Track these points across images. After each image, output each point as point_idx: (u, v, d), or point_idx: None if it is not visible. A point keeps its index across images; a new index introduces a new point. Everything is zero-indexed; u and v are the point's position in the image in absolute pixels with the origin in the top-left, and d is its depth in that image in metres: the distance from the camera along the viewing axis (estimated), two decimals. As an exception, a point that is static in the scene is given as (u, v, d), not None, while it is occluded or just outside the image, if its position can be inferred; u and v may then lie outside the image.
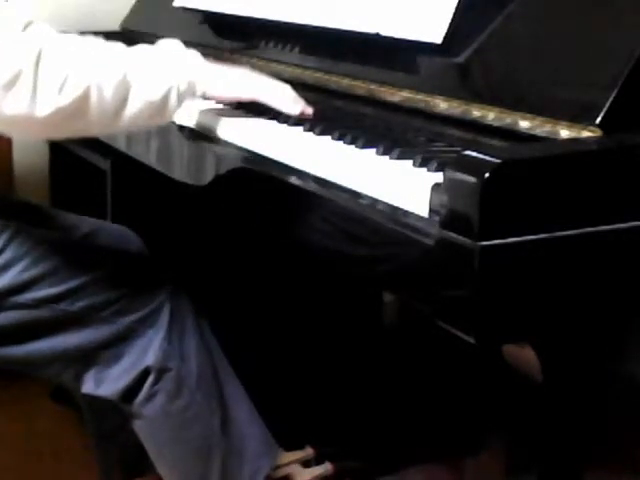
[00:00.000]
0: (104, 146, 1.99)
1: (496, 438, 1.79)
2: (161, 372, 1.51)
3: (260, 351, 2.12)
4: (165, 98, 1.35)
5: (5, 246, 1.47)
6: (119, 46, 1.39)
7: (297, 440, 1.80)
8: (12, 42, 1.26)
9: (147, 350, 1.51)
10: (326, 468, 1.79)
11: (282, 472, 1.71)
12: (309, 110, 1.46)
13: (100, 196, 2.16)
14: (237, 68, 1.51)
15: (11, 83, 1.25)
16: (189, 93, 1.39)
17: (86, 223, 1.73)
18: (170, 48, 1.43)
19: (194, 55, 1.43)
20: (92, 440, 1.82)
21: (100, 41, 1.37)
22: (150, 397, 1.52)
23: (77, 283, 1.49)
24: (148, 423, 1.54)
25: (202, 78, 1.41)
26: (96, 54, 1.33)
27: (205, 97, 1.45)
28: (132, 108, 1.33)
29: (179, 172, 1.67)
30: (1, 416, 2.33)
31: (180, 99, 1.38)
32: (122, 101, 1.32)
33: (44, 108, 1.27)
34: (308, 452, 1.79)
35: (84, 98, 1.29)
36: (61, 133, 1.46)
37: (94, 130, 1.43)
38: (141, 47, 1.41)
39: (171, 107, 1.37)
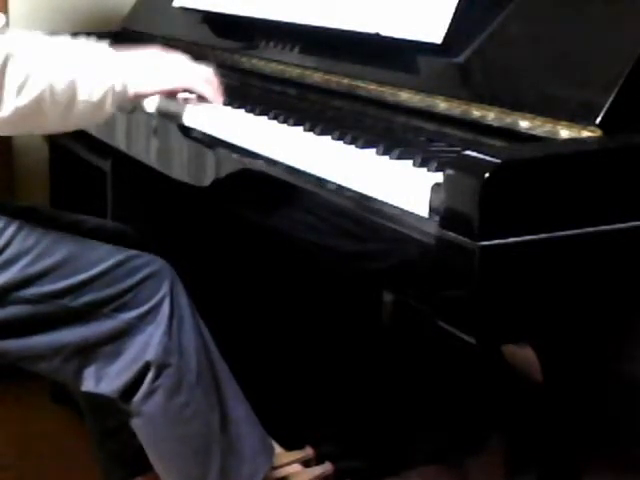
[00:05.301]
0: (104, 146, 1.99)
1: (496, 438, 1.79)
2: (161, 368, 1.51)
3: (260, 351, 2.12)
4: (103, 99, 1.48)
5: (9, 242, 1.49)
6: (67, 43, 1.50)
7: (297, 440, 1.80)
8: None
9: (147, 345, 1.51)
10: (326, 468, 1.79)
11: (282, 472, 1.71)
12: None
13: (100, 196, 2.16)
14: (169, 55, 1.61)
15: None
16: (122, 94, 1.51)
17: (86, 223, 1.73)
18: (104, 50, 1.53)
19: (125, 55, 1.54)
20: (92, 439, 1.82)
21: (54, 40, 1.49)
22: (150, 394, 1.52)
23: (80, 279, 1.50)
24: (147, 421, 1.54)
25: (133, 79, 1.52)
26: (51, 58, 1.45)
27: (136, 96, 1.55)
28: (77, 108, 1.46)
29: (179, 172, 1.67)
30: (1, 416, 2.33)
31: (115, 100, 1.49)
32: (70, 102, 1.45)
33: (7, 108, 1.40)
34: (308, 452, 1.79)
35: (40, 100, 1.42)
36: (18, 131, 1.61)
37: (46, 128, 1.59)
38: (80, 45, 1.51)
39: (107, 108, 1.49)
